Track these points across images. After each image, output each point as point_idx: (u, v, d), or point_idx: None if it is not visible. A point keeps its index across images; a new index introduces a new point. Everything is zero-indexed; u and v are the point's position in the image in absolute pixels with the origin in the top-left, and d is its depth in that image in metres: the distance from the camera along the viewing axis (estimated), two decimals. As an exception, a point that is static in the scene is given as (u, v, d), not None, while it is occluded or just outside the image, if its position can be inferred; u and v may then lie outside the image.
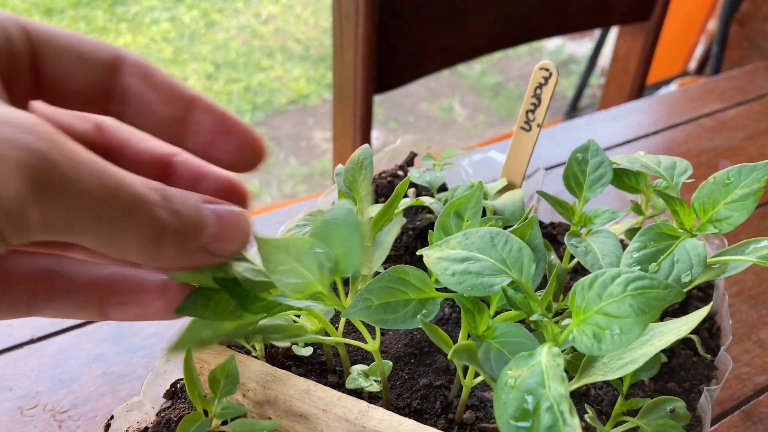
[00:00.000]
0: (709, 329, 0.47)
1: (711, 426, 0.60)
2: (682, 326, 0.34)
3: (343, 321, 0.41)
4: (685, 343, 0.46)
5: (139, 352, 0.62)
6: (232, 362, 0.35)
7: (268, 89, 2.77)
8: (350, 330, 0.46)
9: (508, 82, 2.84)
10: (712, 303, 0.37)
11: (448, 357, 0.31)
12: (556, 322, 0.34)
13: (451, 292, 0.35)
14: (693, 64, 2.31)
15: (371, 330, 0.43)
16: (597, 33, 2.07)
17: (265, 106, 2.69)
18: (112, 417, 0.39)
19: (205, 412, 0.35)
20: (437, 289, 0.36)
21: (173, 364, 0.42)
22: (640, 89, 1.34)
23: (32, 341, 0.62)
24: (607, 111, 0.97)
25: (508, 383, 0.30)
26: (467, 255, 0.34)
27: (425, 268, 0.36)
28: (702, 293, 0.50)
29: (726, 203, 0.40)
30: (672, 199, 0.40)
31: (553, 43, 2.93)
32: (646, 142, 0.93)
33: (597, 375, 0.34)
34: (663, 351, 0.45)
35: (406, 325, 0.35)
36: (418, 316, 0.35)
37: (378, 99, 2.69)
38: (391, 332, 0.45)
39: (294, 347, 0.43)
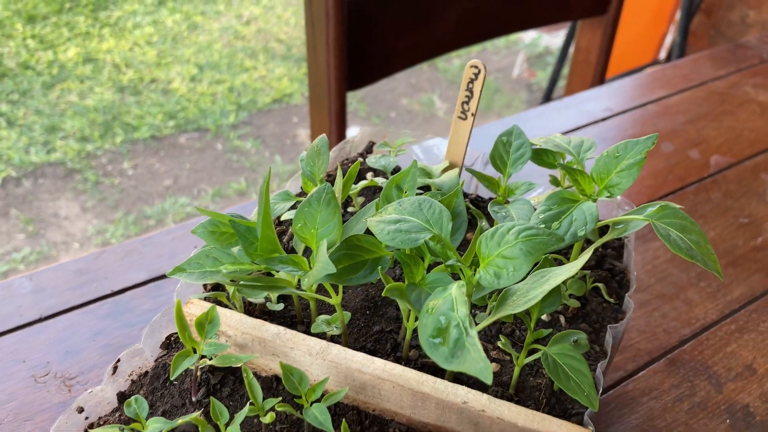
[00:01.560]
0: (619, 281, 0.57)
1: (640, 372, 0.70)
2: (572, 268, 0.43)
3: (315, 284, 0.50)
4: (596, 291, 0.56)
5: (136, 326, 0.71)
6: (214, 310, 0.45)
7: (251, 89, 2.86)
8: (318, 288, 0.56)
9: (487, 76, 2.94)
10: (586, 253, 0.46)
11: (383, 294, 0.41)
12: (474, 270, 0.43)
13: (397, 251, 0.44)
14: (663, 53, 2.42)
15: (335, 288, 0.53)
16: (569, 25, 2.17)
17: (249, 106, 2.78)
18: (119, 360, 0.48)
19: (194, 351, 0.44)
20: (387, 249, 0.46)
21: (167, 320, 0.51)
22: (601, 79, 1.44)
23: (41, 320, 0.71)
24: (561, 101, 1.07)
25: (427, 311, 0.39)
26: (399, 218, 0.44)
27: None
28: (616, 252, 0.60)
29: (617, 172, 0.49)
30: (572, 170, 0.50)
31: (529, 36, 3.03)
32: (596, 129, 1.02)
33: (507, 310, 0.44)
34: (577, 298, 0.55)
35: (365, 280, 0.45)
36: (378, 268, 0.44)
37: (360, 95, 2.79)
38: (350, 290, 0.55)
39: (268, 304, 0.52)
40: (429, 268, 0.46)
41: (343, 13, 1.08)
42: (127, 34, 3.04)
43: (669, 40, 2.38)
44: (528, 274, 0.42)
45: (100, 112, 2.68)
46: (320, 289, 0.54)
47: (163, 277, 0.77)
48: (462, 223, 0.47)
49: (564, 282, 0.48)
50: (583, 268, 0.58)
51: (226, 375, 0.48)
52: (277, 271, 0.48)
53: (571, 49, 2.29)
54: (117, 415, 0.46)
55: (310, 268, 0.45)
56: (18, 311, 0.72)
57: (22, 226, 2.15)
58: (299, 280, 0.50)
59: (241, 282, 0.45)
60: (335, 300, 0.47)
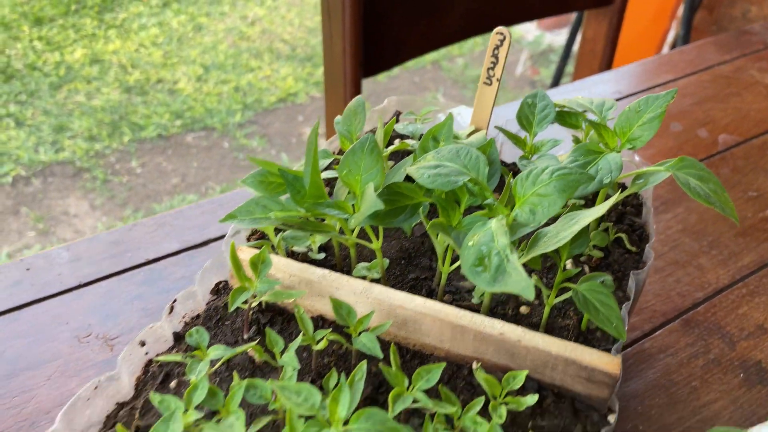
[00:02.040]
0: (639, 235, 0.61)
1: (657, 331, 0.73)
2: (599, 209, 0.47)
3: (357, 228, 0.54)
4: (618, 244, 0.59)
5: (171, 292, 0.74)
6: (266, 251, 0.48)
7: (257, 89, 2.90)
8: (358, 235, 0.59)
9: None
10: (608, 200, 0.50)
11: (427, 228, 0.44)
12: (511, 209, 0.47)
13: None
14: (666, 50, 2.46)
15: (375, 232, 0.56)
16: (572, 21, 2.22)
17: (254, 105, 2.81)
18: (175, 300, 0.51)
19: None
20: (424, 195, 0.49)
21: (216, 267, 0.54)
22: (608, 69, 1.48)
23: (80, 286, 0.75)
24: (571, 84, 1.11)
25: (468, 244, 0.43)
26: (438, 163, 0.48)
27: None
28: (635, 209, 0.63)
29: (638, 126, 0.53)
30: (597, 125, 0.53)
31: (531, 34, 3.08)
32: (606, 110, 1.06)
33: (539, 250, 0.47)
34: (600, 249, 0.58)
35: (406, 223, 0.48)
36: (420, 209, 0.48)
37: (364, 94, 2.83)
38: (385, 242, 0.58)
39: (309, 253, 0.56)
40: (464, 214, 0.50)
41: (359, 3, 1.12)
42: (133, 36, 3.08)
43: (671, 36, 2.42)
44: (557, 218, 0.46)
45: (108, 112, 2.72)
46: (361, 235, 0.57)
47: (194, 247, 0.80)
48: (496, 171, 0.50)
49: (589, 234, 0.51)
50: (605, 222, 0.61)
51: (274, 315, 0.51)
52: (322, 220, 0.51)
53: (575, 47, 2.33)
54: (173, 352, 0.50)
55: (354, 212, 0.48)
56: (58, 279, 0.75)
57: (32, 223, 2.18)
58: (341, 228, 0.53)
59: (288, 231, 0.49)
60: (376, 245, 0.51)
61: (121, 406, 0.47)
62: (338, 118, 0.60)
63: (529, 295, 0.38)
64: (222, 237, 0.81)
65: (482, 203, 0.46)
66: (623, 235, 0.58)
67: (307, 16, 3.28)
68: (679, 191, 0.92)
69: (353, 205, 0.49)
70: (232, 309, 0.46)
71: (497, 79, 0.62)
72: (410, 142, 0.62)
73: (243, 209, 0.50)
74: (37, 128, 2.68)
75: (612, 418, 0.46)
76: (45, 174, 2.49)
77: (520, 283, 0.39)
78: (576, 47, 2.37)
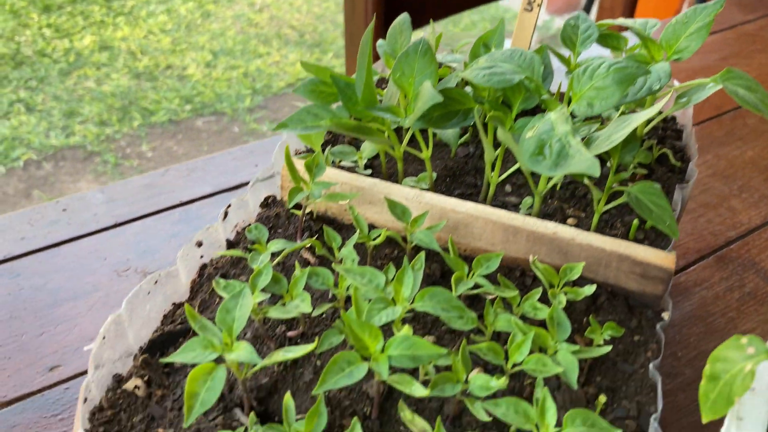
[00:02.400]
0: (681, 157, 0.61)
1: (691, 267, 0.74)
2: (650, 111, 0.48)
3: (407, 137, 0.54)
4: (661, 162, 0.60)
5: (207, 231, 0.75)
6: (320, 156, 0.49)
7: (266, 74, 2.91)
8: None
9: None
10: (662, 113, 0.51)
11: (486, 119, 0.45)
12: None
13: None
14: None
15: (425, 140, 0.56)
16: (583, 2, 2.22)
17: (264, 91, 2.82)
18: (229, 206, 0.52)
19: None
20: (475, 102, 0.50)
21: (265, 182, 0.55)
22: (624, 38, 1.48)
23: (116, 225, 0.75)
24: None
25: (527, 136, 0.44)
26: (492, 65, 0.48)
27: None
28: (675, 134, 0.64)
29: (685, 37, 0.54)
30: (644, 37, 0.54)
31: (540, 20, 3.09)
32: (630, 66, 1.07)
33: (593, 150, 0.48)
34: (644, 167, 0.59)
35: (458, 126, 0.49)
36: (474, 110, 0.48)
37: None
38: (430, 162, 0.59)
39: (356, 168, 0.56)
40: (516, 118, 0.50)
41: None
42: (141, 23, 3.09)
43: (686, 6, 2.43)
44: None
45: (118, 98, 2.73)
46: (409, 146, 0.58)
47: (227, 190, 0.81)
48: (549, 74, 0.51)
49: (638, 141, 0.52)
50: (648, 141, 0.62)
51: (325, 225, 0.52)
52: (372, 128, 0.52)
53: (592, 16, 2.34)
54: (227, 257, 0.50)
55: (407, 115, 0.49)
56: (94, 218, 0.76)
57: (45, 204, 2.18)
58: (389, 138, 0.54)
59: (335, 147, 0.49)
60: (425, 154, 0.51)
61: (177, 306, 0.48)
62: (381, 41, 0.61)
63: (595, 171, 0.39)
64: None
65: (539, 100, 0.47)
66: (668, 151, 0.59)
67: (314, 2, 3.29)
68: (708, 139, 0.92)
69: (405, 109, 0.49)
70: (290, 205, 0.46)
71: (538, 5, 0.63)
72: (453, 65, 0.62)
73: (294, 118, 0.50)
74: (47, 113, 2.69)
75: (666, 315, 0.47)
76: (56, 158, 2.50)
77: (585, 162, 0.40)
78: (593, 15, 2.38)
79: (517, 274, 0.49)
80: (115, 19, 3.08)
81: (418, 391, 0.36)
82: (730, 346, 0.37)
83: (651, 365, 0.43)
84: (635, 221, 0.52)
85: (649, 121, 0.58)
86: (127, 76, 2.85)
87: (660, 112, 0.61)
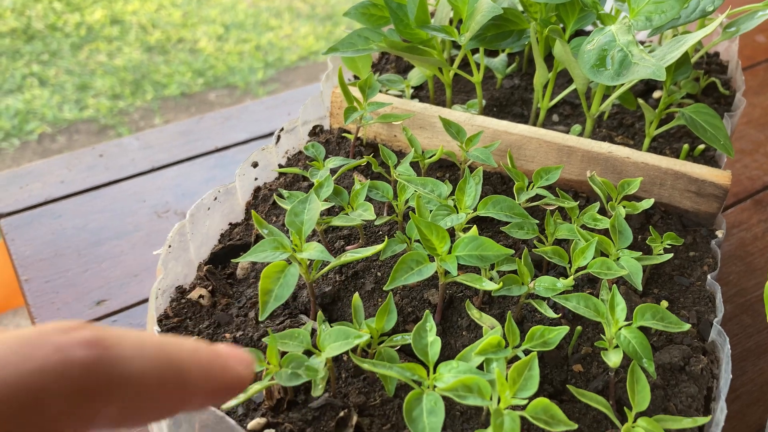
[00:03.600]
0: (727, 89, 0.61)
1: (729, 209, 0.74)
2: (705, 30, 0.48)
3: (457, 60, 0.54)
4: (706, 93, 0.60)
5: (244, 175, 0.75)
6: (372, 77, 0.49)
7: (278, 48, 2.90)
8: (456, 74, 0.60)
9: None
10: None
11: (546, 32, 0.45)
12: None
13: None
14: None
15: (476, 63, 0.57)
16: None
17: (276, 64, 2.81)
18: (282, 129, 0.52)
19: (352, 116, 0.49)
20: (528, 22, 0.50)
21: (312, 109, 0.55)
22: None
23: (153, 170, 0.76)
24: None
25: (587, 49, 0.44)
26: (546, -16, 0.48)
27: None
28: (719, 68, 0.64)
29: (734, -38, 0.53)
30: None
31: None
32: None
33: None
34: (691, 96, 0.59)
35: (513, 45, 0.49)
36: (531, 25, 0.49)
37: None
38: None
39: (404, 97, 0.56)
40: (569, 40, 0.50)
41: None
42: (152, -4, 3.08)
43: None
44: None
45: (130, 71, 2.73)
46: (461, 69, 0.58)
47: (261, 137, 0.81)
48: (601, -5, 0.51)
49: (690, 63, 0.52)
50: (695, 71, 0.62)
51: (375, 151, 0.52)
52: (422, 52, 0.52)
53: None
54: (280, 180, 0.51)
55: (461, 34, 0.49)
56: (131, 163, 0.77)
57: (61, 176, 2.20)
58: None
59: (383, 75, 0.49)
60: (476, 78, 0.52)
61: (234, 226, 0.48)
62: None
63: (661, 74, 0.39)
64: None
65: (596, 15, 0.47)
66: (716, 79, 0.59)
67: (326, -24, 3.27)
68: (740, 89, 0.92)
69: (458, 29, 0.50)
70: (348, 121, 0.47)
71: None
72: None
73: (345, 41, 0.51)
74: (60, 87, 2.69)
75: (720, 233, 0.47)
76: (70, 131, 2.51)
77: (650, 68, 0.40)
78: None
79: (570, 195, 0.49)
80: (125, -7, 3.07)
81: (488, 285, 0.36)
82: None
83: (709, 277, 0.43)
84: (685, 146, 0.52)
85: (696, 51, 0.58)
86: (138, 50, 2.85)
87: (708, 41, 0.61)
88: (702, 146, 0.54)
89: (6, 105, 2.58)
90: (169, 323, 0.41)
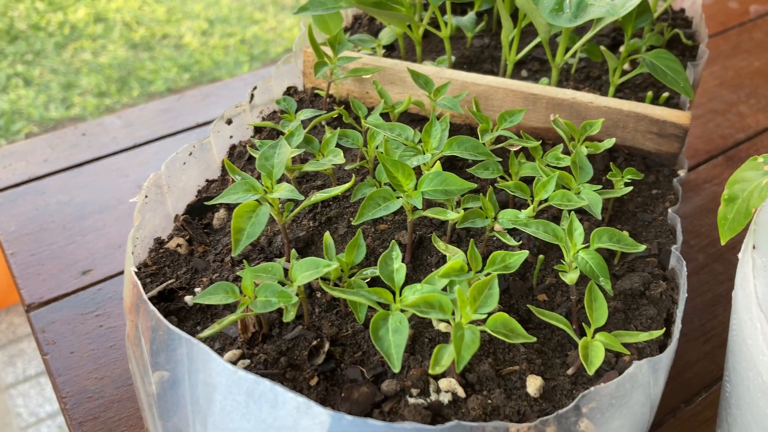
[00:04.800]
0: (691, 50, 0.63)
1: (701, 165, 0.76)
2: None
3: (426, 17, 0.56)
4: (671, 46, 0.62)
5: (225, 149, 0.77)
6: (341, 33, 0.51)
7: (263, 41, 2.91)
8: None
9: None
10: None
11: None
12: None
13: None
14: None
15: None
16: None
17: (262, 57, 2.82)
18: (255, 88, 0.54)
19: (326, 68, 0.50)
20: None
21: (286, 72, 0.57)
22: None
23: (135, 146, 0.77)
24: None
25: (545, -6, 0.45)
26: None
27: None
28: (684, 22, 0.66)
29: None
30: None
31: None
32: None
33: (607, 18, 0.50)
34: (656, 48, 0.61)
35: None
36: None
37: None
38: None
39: (375, 55, 0.58)
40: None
41: None
42: (136, -7, 3.08)
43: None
44: None
45: (115, 68, 2.74)
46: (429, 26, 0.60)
47: (242, 113, 0.83)
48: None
49: (651, 10, 0.54)
50: (659, 24, 0.63)
51: (347, 106, 0.54)
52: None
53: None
54: (256, 137, 0.52)
55: (426, -8, 0.51)
56: (113, 141, 0.78)
57: (49, 174, 2.20)
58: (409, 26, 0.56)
59: (354, 35, 0.51)
60: (444, 33, 0.53)
61: (210, 182, 0.50)
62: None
63: (615, 12, 0.41)
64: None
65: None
66: (679, 31, 0.60)
67: (309, -32, 3.28)
68: (715, 52, 0.94)
69: (423, -14, 0.51)
70: (318, 75, 0.48)
71: None
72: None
73: (314, 1, 0.52)
74: (45, 86, 2.70)
75: (682, 172, 0.49)
76: (57, 130, 2.51)
77: (604, 8, 0.42)
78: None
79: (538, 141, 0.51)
80: (108, -9, 3.07)
81: (451, 215, 0.38)
82: (746, 167, 0.39)
83: (669, 211, 0.45)
84: (649, 93, 0.54)
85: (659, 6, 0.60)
86: (123, 47, 2.85)
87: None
88: (666, 94, 0.56)
89: (-9, 105, 2.57)
90: (148, 271, 0.43)
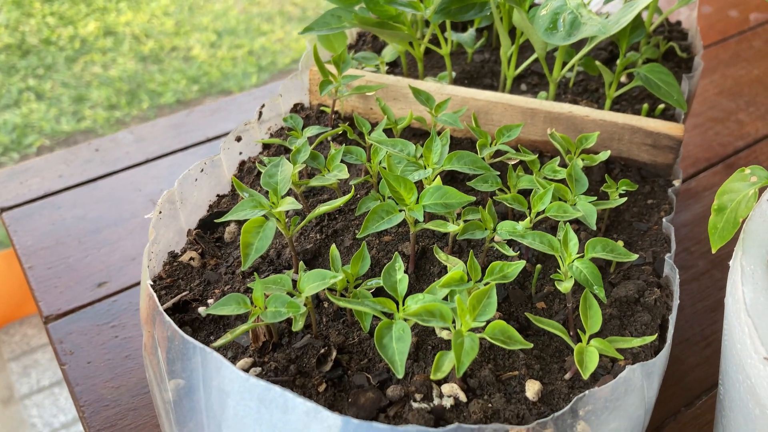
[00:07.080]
0: (687, 53, 0.65)
1: (701, 173, 0.78)
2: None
3: (427, 35, 0.58)
4: (667, 58, 0.63)
5: (234, 162, 0.79)
6: (345, 53, 0.53)
7: (270, 52, 2.95)
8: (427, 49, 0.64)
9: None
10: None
11: (501, 3, 0.49)
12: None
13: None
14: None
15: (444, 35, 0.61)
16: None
17: (270, 67, 2.86)
18: (263, 106, 0.56)
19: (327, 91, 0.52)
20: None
21: (293, 89, 0.59)
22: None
23: (147, 161, 0.80)
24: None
25: (541, 14, 0.47)
26: (504, -42, 0.52)
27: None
28: (680, 35, 0.68)
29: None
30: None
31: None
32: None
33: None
34: (652, 61, 0.63)
35: (476, 16, 0.53)
36: (490, 2, 0.52)
37: None
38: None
39: (378, 72, 0.60)
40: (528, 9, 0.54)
41: None
42: (144, 7, 3.13)
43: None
44: None
45: (125, 81, 2.78)
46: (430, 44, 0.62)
47: (250, 127, 0.85)
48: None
49: (645, 25, 0.56)
50: (655, 37, 0.65)
51: (352, 122, 0.56)
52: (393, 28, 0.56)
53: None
54: (264, 153, 0.54)
55: (425, 8, 0.53)
56: (126, 156, 0.80)
57: (61, 186, 2.24)
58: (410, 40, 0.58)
59: (359, 53, 0.53)
60: (445, 50, 0.55)
61: (221, 197, 0.52)
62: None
63: (606, 30, 0.42)
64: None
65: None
66: (674, 44, 0.62)
67: (315, -21, 3.32)
68: (714, 61, 0.96)
69: (423, 3, 0.53)
70: (323, 93, 0.50)
71: None
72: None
73: (319, 21, 0.54)
74: (57, 100, 2.74)
75: (677, 182, 0.51)
76: (68, 143, 2.55)
77: (597, 26, 0.43)
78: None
79: (536, 155, 0.53)
80: (117, 5, 3.12)
81: (452, 228, 0.40)
82: (734, 179, 0.41)
83: (664, 220, 0.47)
84: (645, 105, 0.56)
85: (654, 21, 0.62)
86: (133, 60, 2.90)
87: (666, 8, 0.64)
88: (662, 106, 0.57)
89: (4, 120, 2.63)
90: (163, 283, 0.45)
